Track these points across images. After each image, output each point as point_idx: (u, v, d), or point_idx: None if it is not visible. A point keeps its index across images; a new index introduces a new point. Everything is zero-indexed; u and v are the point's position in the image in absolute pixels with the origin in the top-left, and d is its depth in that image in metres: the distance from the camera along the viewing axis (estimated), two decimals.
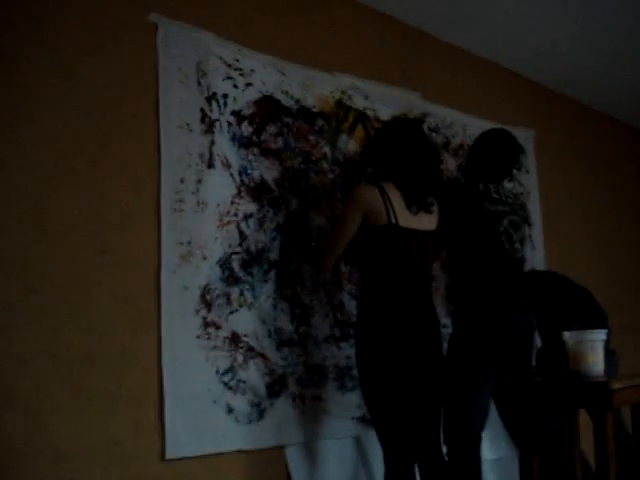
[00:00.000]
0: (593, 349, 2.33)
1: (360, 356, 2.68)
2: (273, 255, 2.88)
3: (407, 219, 2.66)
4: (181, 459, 2.48)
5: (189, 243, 2.59)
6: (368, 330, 2.65)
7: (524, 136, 4.25)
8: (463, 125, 3.84)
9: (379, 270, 2.68)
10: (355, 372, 2.80)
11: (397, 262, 2.66)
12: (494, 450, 3.51)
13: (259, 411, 2.72)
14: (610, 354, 3.03)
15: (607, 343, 2.76)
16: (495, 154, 3.10)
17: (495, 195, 3.08)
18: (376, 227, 2.64)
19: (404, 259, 2.66)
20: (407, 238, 2.66)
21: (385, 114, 3.40)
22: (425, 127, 3.59)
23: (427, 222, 2.74)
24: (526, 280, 3.28)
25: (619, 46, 4.12)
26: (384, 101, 3.43)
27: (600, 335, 2.38)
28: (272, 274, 2.86)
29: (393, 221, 2.62)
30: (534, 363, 3.04)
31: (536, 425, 2.82)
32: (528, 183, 4.20)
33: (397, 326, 2.60)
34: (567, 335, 2.40)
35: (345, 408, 3.01)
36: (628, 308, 4.86)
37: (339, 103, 3.23)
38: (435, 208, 2.79)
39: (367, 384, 2.66)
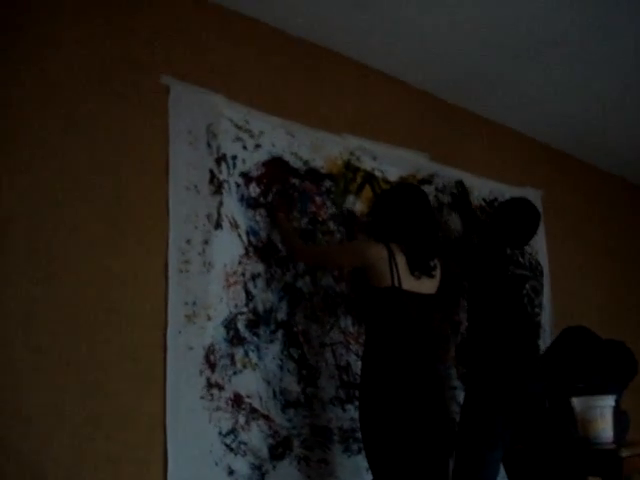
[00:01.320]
0: (602, 415, 2.31)
1: (364, 418, 2.65)
2: (280, 315, 2.87)
3: (410, 282, 2.71)
4: None
5: (194, 303, 2.60)
6: (371, 392, 2.64)
7: (532, 196, 4.26)
8: (470, 186, 3.87)
9: (382, 332, 2.70)
10: (360, 435, 2.76)
11: (399, 324, 2.68)
12: None
13: (260, 474, 2.68)
14: (622, 415, 3.02)
15: (619, 404, 2.77)
16: (520, 222, 3.31)
17: (520, 259, 3.16)
18: (380, 289, 2.69)
19: (406, 321, 2.69)
20: (410, 301, 2.70)
21: (393, 175, 3.43)
22: (432, 188, 3.63)
23: (429, 286, 2.79)
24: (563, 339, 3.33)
25: (625, 107, 4.15)
26: (392, 162, 3.46)
27: (609, 401, 2.36)
28: (279, 334, 2.86)
29: (397, 284, 2.66)
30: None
31: None
32: (535, 243, 4.20)
33: (400, 389, 2.58)
34: (576, 401, 2.38)
35: (351, 472, 2.96)
36: None
37: (347, 164, 3.27)
38: (437, 272, 2.84)
39: (371, 447, 2.63)
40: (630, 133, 4.54)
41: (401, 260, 2.70)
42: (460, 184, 3.82)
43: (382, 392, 2.60)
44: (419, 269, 2.73)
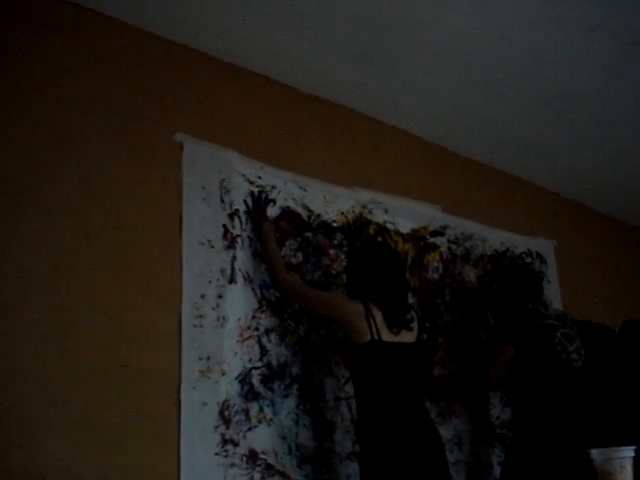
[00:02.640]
0: (622, 467, 2.27)
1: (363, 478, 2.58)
2: (295, 369, 2.86)
3: (389, 335, 2.65)
4: None
5: (208, 359, 2.59)
6: (368, 451, 2.58)
7: (544, 246, 4.27)
8: (483, 237, 3.87)
9: (370, 387, 2.64)
10: None
11: (386, 376, 2.62)
12: None
13: None
14: None
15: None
16: (519, 283, 3.41)
17: (544, 311, 3.19)
18: (360, 344, 2.63)
19: (392, 372, 2.63)
20: (392, 351, 2.64)
21: (405, 227, 3.45)
22: (445, 239, 3.64)
23: (408, 336, 2.73)
24: None
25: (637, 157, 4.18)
26: (404, 214, 3.48)
27: (628, 452, 2.32)
28: (294, 389, 2.84)
29: (376, 337, 2.61)
30: None
31: None
32: (549, 293, 4.18)
33: (397, 444, 2.53)
34: (595, 453, 2.34)
35: None
36: None
37: (359, 217, 3.29)
38: (415, 324, 2.79)
39: None
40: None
41: (378, 315, 2.65)
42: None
43: (378, 449, 2.54)
44: (397, 324, 2.68)
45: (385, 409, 2.58)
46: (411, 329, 2.75)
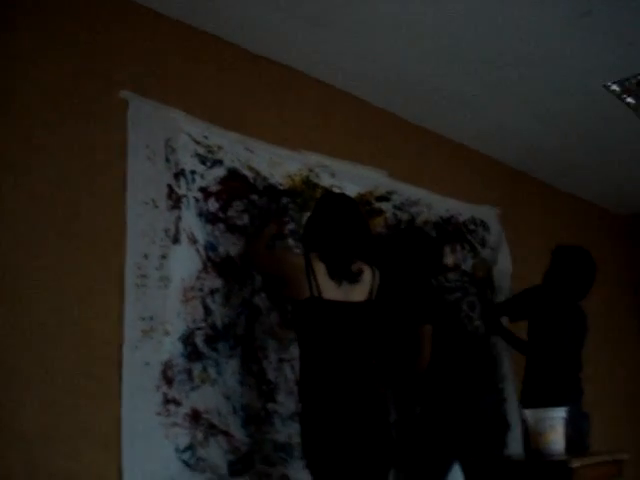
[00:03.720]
0: (552, 427, 2.35)
1: (303, 437, 2.62)
2: (239, 330, 2.87)
3: (333, 291, 2.63)
4: None
5: (151, 319, 2.58)
6: (309, 413, 2.60)
7: (488, 214, 4.34)
8: (428, 203, 3.91)
9: (309, 347, 2.66)
10: None
11: (325, 335, 2.62)
12: None
13: None
14: (583, 419, 3.11)
15: (581, 406, 2.86)
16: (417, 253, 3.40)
17: (447, 284, 3.23)
18: (300, 302, 2.64)
19: (331, 331, 2.62)
20: (333, 310, 2.62)
21: (352, 191, 3.44)
22: (390, 205, 3.66)
23: (357, 293, 2.70)
24: None
25: (580, 126, 4.26)
26: (351, 179, 3.49)
27: (559, 413, 2.40)
28: (238, 349, 2.85)
29: (316, 294, 2.60)
30: None
31: None
32: (491, 260, 4.27)
33: (336, 407, 2.55)
34: (527, 413, 2.42)
35: None
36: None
37: (306, 180, 3.29)
38: (366, 277, 2.75)
39: (312, 464, 2.59)
40: (585, 152, 4.65)
41: (320, 268, 2.63)
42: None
43: (316, 410, 2.57)
44: (339, 274, 2.65)
45: (324, 370, 2.60)
46: (357, 282, 2.70)
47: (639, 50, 3.36)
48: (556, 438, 2.33)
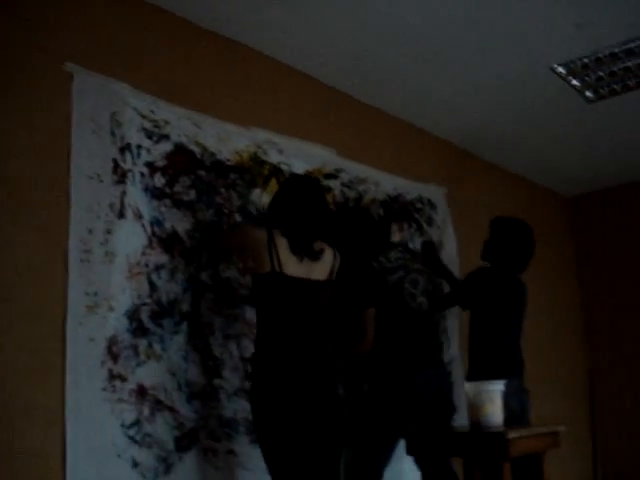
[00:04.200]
0: (491, 400, 2.40)
1: (253, 414, 2.64)
2: (185, 306, 2.87)
3: (294, 267, 2.67)
4: None
5: (96, 294, 2.57)
6: (260, 388, 2.63)
7: (435, 193, 4.39)
8: (376, 181, 3.94)
9: (266, 320, 2.68)
10: None
11: (282, 311, 2.64)
12: None
13: (166, 466, 2.68)
14: (524, 394, 3.19)
15: (522, 382, 2.99)
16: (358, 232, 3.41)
17: (388, 264, 3.25)
18: (260, 275, 2.66)
19: (289, 308, 2.65)
20: (292, 286, 2.66)
21: (299, 169, 3.46)
22: (338, 182, 3.68)
23: (318, 272, 2.74)
24: None
25: (526, 108, 4.33)
26: (299, 156, 3.50)
27: (497, 386, 2.46)
28: (184, 326, 2.85)
29: (277, 269, 2.63)
30: None
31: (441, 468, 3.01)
32: (438, 239, 4.33)
33: (288, 383, 2.58)
34: (468, 386, 2.47)
35: (260, 462, 2.97)
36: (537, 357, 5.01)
37: (254, 157, 3.29)
38: (327, 257, 2.80)
39: (262, 441, 2.62)
40: (531, 133, 4.73)
41: (282, 244, 2.66)
42: (428, 245, 3.94)
43: (271, 388, 2.59)
44: (300, 250, 2.68)
45: (279, 343, 2.63)
46: (318, 259, 2.74)
47: (585, 32, 3.42)
48: (494, 410, 2.39)
